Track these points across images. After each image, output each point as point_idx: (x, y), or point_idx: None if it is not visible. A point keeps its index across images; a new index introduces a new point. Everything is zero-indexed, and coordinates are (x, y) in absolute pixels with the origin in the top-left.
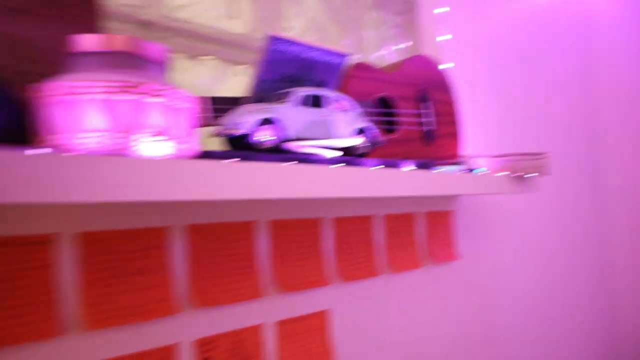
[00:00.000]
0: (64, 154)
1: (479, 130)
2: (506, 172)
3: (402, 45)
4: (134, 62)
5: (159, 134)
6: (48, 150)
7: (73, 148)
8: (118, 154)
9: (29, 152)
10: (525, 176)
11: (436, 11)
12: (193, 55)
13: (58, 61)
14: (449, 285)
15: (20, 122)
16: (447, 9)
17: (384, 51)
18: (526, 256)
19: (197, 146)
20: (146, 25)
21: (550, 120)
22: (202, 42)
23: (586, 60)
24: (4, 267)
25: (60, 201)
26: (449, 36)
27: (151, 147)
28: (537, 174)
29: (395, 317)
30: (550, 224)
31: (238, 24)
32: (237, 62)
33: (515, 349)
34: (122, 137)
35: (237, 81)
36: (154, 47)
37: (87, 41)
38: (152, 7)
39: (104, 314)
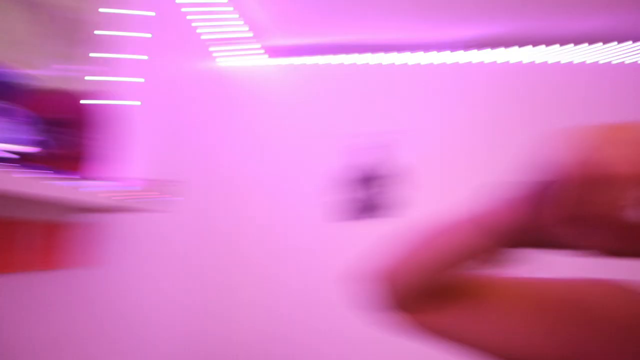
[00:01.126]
0: None
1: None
2: (144, 192)
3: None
4: None
5: None
6: None
7: None
8: None
9: None
10: (153, 199)
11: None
12: None
13: None
14: (88, 288)
15: None
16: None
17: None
18: (170, 269)
19: None
20: None
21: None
22: None
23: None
24: None
25: None
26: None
27: None
28: (169, 196)
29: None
30: (193, 242)
31: None
32: None
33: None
34: None
35: None
36: None
37: None
38: None
39: None
